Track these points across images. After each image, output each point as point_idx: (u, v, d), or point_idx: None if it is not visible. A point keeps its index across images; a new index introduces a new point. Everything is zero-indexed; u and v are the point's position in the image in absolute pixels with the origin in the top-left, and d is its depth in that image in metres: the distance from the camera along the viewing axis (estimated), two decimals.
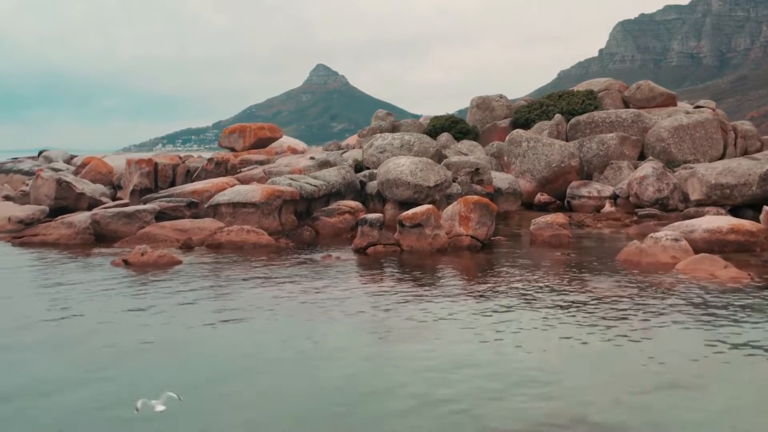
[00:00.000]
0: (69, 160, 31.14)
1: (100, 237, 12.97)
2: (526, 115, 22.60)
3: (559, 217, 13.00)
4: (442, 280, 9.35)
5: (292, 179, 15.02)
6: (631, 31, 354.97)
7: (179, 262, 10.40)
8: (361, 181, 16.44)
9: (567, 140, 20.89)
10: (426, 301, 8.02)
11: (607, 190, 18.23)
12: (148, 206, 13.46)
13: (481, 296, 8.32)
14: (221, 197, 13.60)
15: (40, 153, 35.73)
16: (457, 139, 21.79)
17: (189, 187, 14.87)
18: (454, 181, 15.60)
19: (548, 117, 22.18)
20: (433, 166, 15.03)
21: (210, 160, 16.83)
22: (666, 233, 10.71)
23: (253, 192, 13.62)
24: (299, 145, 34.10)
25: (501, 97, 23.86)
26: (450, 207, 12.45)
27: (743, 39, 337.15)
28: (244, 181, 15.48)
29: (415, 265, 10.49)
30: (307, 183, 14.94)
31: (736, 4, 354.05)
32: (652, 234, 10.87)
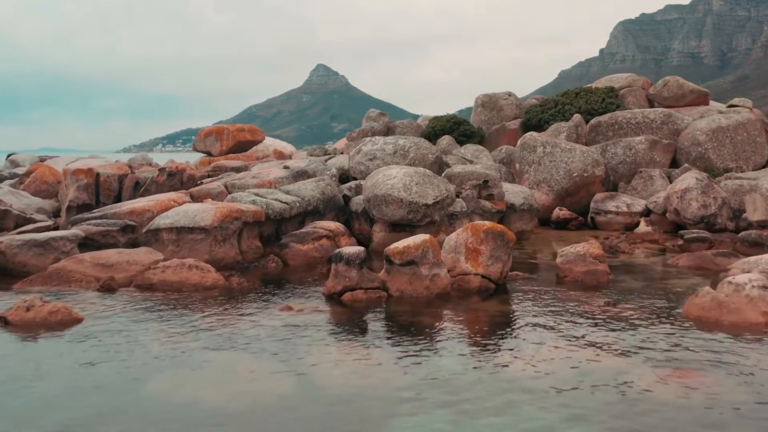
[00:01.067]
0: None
1: (4, 271, 10.00)
2: (539, 115, 19.60)
3: (593, 246, 10.01)
4: (443, 359, 6.35)
5: (257, 195, 12.05)
6: (631, 30, 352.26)
7: (78, 321, 7.43)
8: (345, 196, 13.46)
9: (587, 144, 17.91)
10: (421, 411, 5.04)
11: (639, 205, 15.26)
12: (68, 232, 10.47)
13: (509, 399, 5.33)
14: (162, 220, 10.62)
15: (8, 156, 32.84)
16: (461, 142, 18.80)
17: (126, 205, 11.85)
18: (457, 197, 12.62)
19: (564, 117, 19.19)
20: (431, 178, 12.04)
21: (161, 170, 13.79)
22: (749, 278, 7.71)
23: (203, 213, 10.63)
24: (286, 147, 31.22)
25: (510, 95, 20.86)
26: (453, 236, 9.46)
27: (744, 39, 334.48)
28: (199, 198, 12.50)
29: (406, 325, 7.51)
30: (276, 200, 11.96)
31: (737, 4, 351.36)
32: (729, 279, 7.87)
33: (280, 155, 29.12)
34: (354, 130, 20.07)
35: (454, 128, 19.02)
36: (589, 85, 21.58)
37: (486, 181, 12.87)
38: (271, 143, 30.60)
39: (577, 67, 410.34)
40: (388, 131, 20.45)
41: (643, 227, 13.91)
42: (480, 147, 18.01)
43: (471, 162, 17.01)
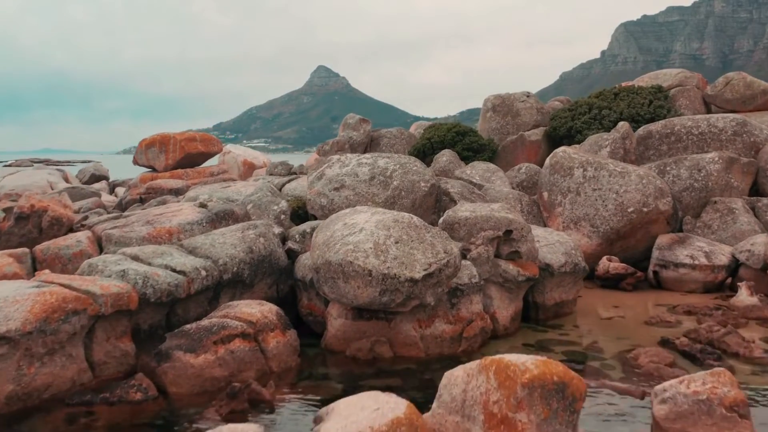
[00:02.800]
0: None
1: None
2: (569, 122, 14.76)
3: (723, 377, 5.18)
4: None
5: (136, 260, 7.23)
6: (633, 32, 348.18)
7: None
8: (290, 250, 8.65)
9: (636, 163, 13.12)
10: None
11: (723, 254, 10.47)
12: None
13: None
14: None
15: None
16: (466, 158, 13.99)
17: None
18: (464, 257, 7.81)
19: (602, 125, 14.35)
20: (421, 231, 7.20)
21: (7, 210, 8.88)
22: None
23: (12, 305, 5.83)
24: (258, 158, 26.27)
25: (528, 95, 16.02)
26: (460, 377, 4.64)
27: (746, 40, 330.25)
28: (44, 262, 7.66)
29: None
30: (166, 267, 7.13)
31: (738, 6, 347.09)
32: None
33: (250, 168, 24.26)
34: (327, 141, 15.27)
35: (457, 140, 14.22)
36: (629, 83, 16.74)
37: (509, 232, 8.03)
38: (240, 153, 25.72)
39: (578, 69, 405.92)
40: (371, 143, 15.66)
41: (745, 296, 9.05)
42: (492, 166, 13.17)
43: (480, 186, 12.22)
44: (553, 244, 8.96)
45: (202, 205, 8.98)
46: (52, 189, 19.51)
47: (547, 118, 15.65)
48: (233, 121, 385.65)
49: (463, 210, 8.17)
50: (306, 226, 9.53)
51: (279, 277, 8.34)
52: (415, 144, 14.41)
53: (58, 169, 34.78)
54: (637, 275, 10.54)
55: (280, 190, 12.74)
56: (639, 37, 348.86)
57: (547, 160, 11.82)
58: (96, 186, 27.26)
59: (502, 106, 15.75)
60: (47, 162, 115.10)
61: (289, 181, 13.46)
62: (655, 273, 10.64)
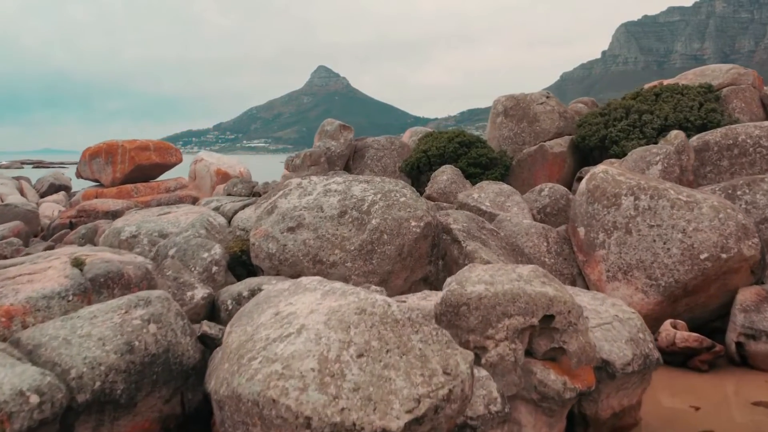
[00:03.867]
0: None
1: None
2: (601, 130, 11.63)
3: None
4: None
5: None
6: (634, 32, 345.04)
7: None
8: (204, 337, 5.57)
9: (690, 185, 10.05)
10: None
11: None
12: None
13: None
14: None
15: None
16: (472, 177, 10.90)
17: None
18: (477, 360, 4.72)
19: (642, 134, 11.26)
20: (403, 332, 4.09)
21: None
22: None
23: None
24: (234, 167, 23.03)
25: (548, 96, 12.88)
26: None
27: (747, 41, 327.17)
28: None
29: None
30: None
31: (739, 6, 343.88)
32: None
33: (225, 178, 21.05)
34: (298, 153, 12.09)
35: (461, 152, 11.11)
36: (673, 82, 13.59)
37: (549, 318, 4.93)
38: (212, 161, 22.49)
39: (579, 69, 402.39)
40: (354, 155, 12.57)
41: None
42: (506, 187, 10.06)
43: (492, 216, 9.14)
44: (609, 322, 5.86)
45: (77, 264, 5.86)
46: None
47: (572, 125, 12.55)
48: (233, 121, 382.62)
49: (475, 281, 5.06)
50: (244, 287, 6.47)
51: (185, 383, 5.25)
52: (407, 158, 11.30)
53: (20, 177, 31.56)
54: (716, 350, 7.45)
55: (230, 220, 9.65)
56: (640, 37, 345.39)
57: (583, 184, 8.70)
58: (52, 198, 24.09)
59: (517, 109, 12.64)
60: (40, 163, 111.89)
61: (246, 205, 10.35)
62: (739, 345, 7.55)
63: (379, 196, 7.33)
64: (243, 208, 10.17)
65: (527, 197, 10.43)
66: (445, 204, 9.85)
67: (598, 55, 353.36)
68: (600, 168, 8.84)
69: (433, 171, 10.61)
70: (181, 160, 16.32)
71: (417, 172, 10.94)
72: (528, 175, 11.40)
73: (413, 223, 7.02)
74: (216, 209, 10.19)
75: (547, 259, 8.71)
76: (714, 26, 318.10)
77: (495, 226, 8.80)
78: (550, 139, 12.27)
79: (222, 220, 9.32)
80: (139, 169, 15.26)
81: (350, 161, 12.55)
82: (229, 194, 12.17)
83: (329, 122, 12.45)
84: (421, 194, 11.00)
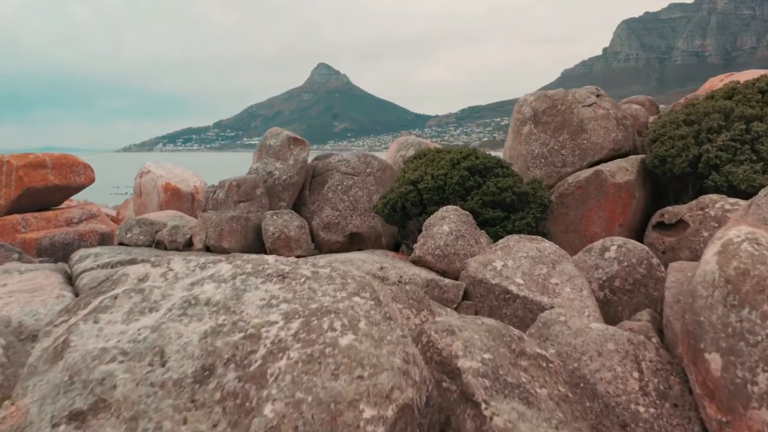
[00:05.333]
0: None
1: None
2: (692, 147, 7.32)
3: None
4: None
5: None
6: (635, 29, 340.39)
7: None
8: None
9: None
10: None
11: None
12: None
13: None
14: None
15: None
16: (489, 224, 6.63)
17: None
18: None
19: (755, 153, 6.96)
20: None
21: None
22: None
23: None
24: (187, 181, 18.68)
25: (599, 95, 8.59)
26: None
27: (749, 37, 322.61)
28: None
29: None
30: None
31: (741, 2, 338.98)
32: None
33: (175, 195, 16.74)
34: (222, 181, 7.69)
35: (472, 184, 6.78)
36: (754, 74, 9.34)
37: None
38: (161, 174, 18.12)
39: (580, 66, 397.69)
40: (312, 181, 8.32)
41: None
42: (547, 247, 5.84)
43: (533, 304, 4.91)
44: None
45: None
46: None
47: (631, 136, 8.29)
48: (234, 118, 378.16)
49: None
50: None
51: None
52: (386, 193, 7.00)
53: None
54: None
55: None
56: (641, 34, 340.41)
57: (712, 265, 4.40)
58: None
59: (553, 113, 8.37)
60: None
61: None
62: None
63: (295, 325, 3.08)
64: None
65: (580, 261, 6.20)
66: (446, 281, 5.67)
67: (600, 52, 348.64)
68: (740, 232, 4.54)
69: (429, 214, 6.38)
70: (92, 180, 12.11)
71: (402, 216, 6.79)
72: (575, 218, 7.20)
73: (367, 414, 2.75)
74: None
75: (641, 408, 4.43)
76: (716, 23, 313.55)
77: (538, 333, 4.58)
78: (604, 159, 8.03)
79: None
80: (31, 193, 11.05)
81: (305, 191, 8.33)
82: (120, 242, 7.95)
83: (274, 133, 8.24)
84: (409, 253, 6.78)
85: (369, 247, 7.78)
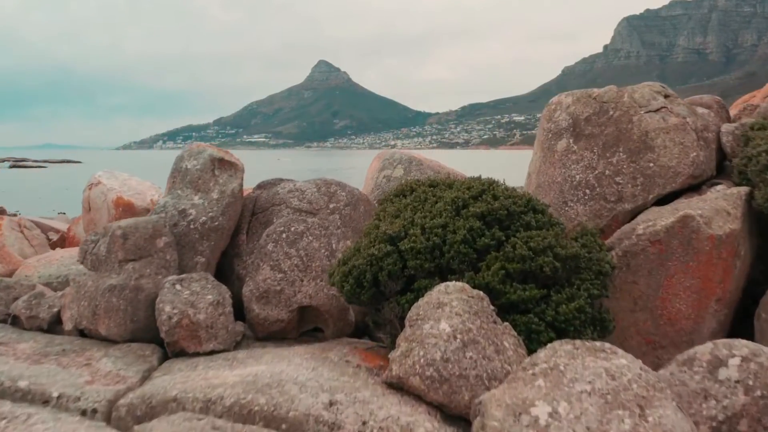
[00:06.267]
0: None
1: None
2: None
3: None
4: None
5: None
6: (636, 26, 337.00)
7: None
8: None
9: None
10: None
11: None
12: None
13: None
14: None
15: None
16: (518, 309, 3.89)
17: None
18: None
19: None
20: None
21: None
22: None
23: None
24: (144, 194, 15.70)
25: (667, 95, 5.89)
26: None
27: (750, 35, 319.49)
28: None
29: None
30: None
31: (742, 0, 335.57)
32: None
33: (128, 210, 13.77)
34: (107, 228, 5.13)
35: (489, 241, 4.11)
36: None
37: None
38: (113, 186, 15.15)
39: (580, 64, 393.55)
40: (251, 221, 5.62)
41: None
42: (624, 362, 3.09)
43: None
44: None
45: None
46: None
47: (714, 154, 5.59)
48: (234, 116, 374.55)
49: None
50: None
51: None
52: (348, 258, 4.29)
53: None
54: None
55: None
56: (642, 31, 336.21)
57: None
58: None
59: (602, 121, 5.66)
60: (23, 162, 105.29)
61: None
62: None
63: None
64: None
65: (674, 382, 3.53)
66: None
67: (600, 50, 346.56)
68: None
69: (416, 293, 3.66)
70: None
71: (374, 295, 4.19)
72: (648, 289, 4.50)
73: None
74: None
75: None
76: (717, 20, 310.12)
77: None
78: (679, 191, 5.34)
79: None
80: None
81: (242, 236, 5.63)
82: None
83: (192, 152, 5.51)
84: (388, 347, 4.07)
85: (330, 328, 5.10)
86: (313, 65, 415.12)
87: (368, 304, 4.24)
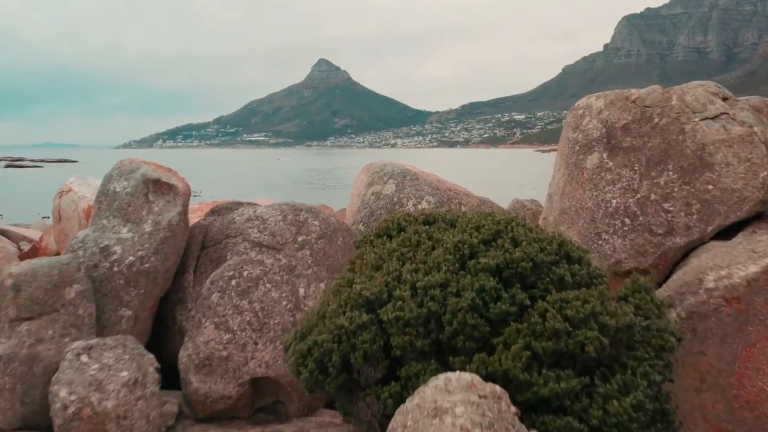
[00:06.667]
0: None
1: None
2: None
3: None
4: None
5: None
6: (636, 25, 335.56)
7: None
8: None
9: None
10: None
11: None
12: None
13: None
14: None
15: None
16: (546, 412, 2.63)
17: None
18: None
19: None
20: None
21: None
22: None
23: None
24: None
25: (726, 98, 4.65)
26: None
27: (750, 33, 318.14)
28: None
29: None
30: None
31: None
32: None
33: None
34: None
35: (510, 308, 2.91)
36: None
37: None
38: (84, 194, 13.77)
39: (581, 62, 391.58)
40: (200, 257, 4.40)
41: None
42: None
43: None
44: None
45: None
46: None
47: None
48: (234, 114, 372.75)
49: None
50: None
51: None
52: (306, 325, 3.10)
53: None
54: None
55: None
56: (642, 30, 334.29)
57: None
58: None
59: (645, 130, 4.45)
60: (19, 161, 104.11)
61: None
62: None
63: None
64: None
65: None
66: None
67: (600, 48, 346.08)
68: None
69: (404, 381, 2.39)
70: None
71: (344, 383, 3.08)
72: (720, 361, 3.31)
73: None
74: None
75: None
76: (717, 19, 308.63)
77: None
78: (745, 219, 4.12)
79: None
80: None
81: (187, 276, 4.38)
82: None
83: (123, 170, 4.16)
84: None
85: (294, 403, 3.88)
86: (314, 64, 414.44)
87: (336, 393, 3.01)
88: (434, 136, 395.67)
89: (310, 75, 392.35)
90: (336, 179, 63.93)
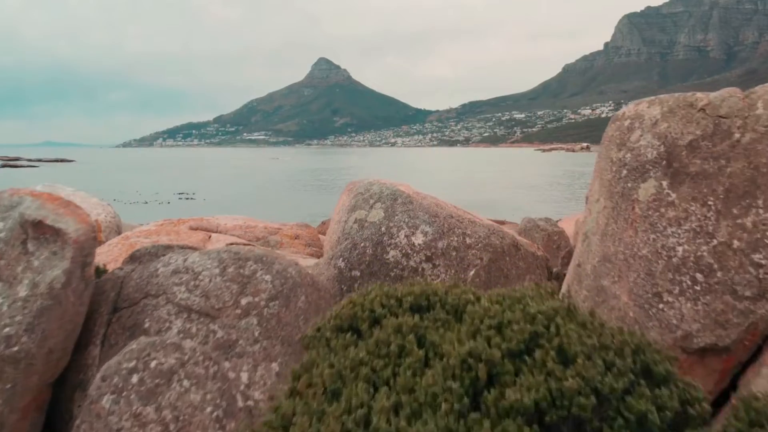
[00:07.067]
0: None
1: None
2: None
3: None
4: None
5: None
6: (637, 24, 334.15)
7: None
8: None
9: None
10: None
11: None
12: None
13: None
14: None
15: None
16: None
17: None
18: None
19: None
20: None
21: None
22: None
23: None
24: (89, 211, 12.74)
25: None
26: None
27: (751, 32, 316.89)
28: None
29: None
30: None
31: None
32: None
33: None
34: None
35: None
36: None
37: None
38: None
39: (581, 61, 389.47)
40: (111, 324, 3.17)
41: None
42: None
43: None
44: None
45: None
46: None
47: None
48: (234, 113, 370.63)
49: None
50: None
51: None
52: None
53: None
54: None
55: None
56: (643, 28, 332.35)
57: None
58: None
59: (720, 150, 3.22)
60: (16, 161, 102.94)
61: None
62: None
63: None
64: None
65: None
66: None
67: (601, 47, 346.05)
68: None
69: None
70: None
71: None
72: None
73: None
74: None
75: None
76: (718, 17, 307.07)
77: None
78: None
79: None
80: None
81: (91, 351, 3.13)
82: None
83: (1, 204, 3.24)
84: None
85: None
86: (314, 63, 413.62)
87: None
88: (434, 134, 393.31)
89: (310, 74, 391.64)
90: (334, 180, 62.65)
